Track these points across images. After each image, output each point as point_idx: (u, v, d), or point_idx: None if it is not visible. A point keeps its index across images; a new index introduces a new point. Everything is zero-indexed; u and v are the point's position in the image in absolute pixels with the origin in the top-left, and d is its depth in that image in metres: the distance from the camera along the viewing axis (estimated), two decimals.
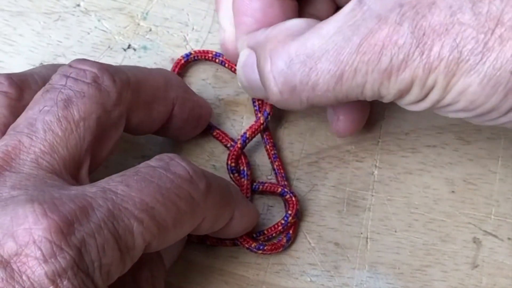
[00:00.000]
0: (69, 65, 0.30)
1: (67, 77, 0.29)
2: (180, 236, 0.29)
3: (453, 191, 0.38)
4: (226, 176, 0.37)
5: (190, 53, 0.39)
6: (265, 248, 0.35)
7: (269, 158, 0.38)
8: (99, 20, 0.40)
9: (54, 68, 0.32)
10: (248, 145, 0.37)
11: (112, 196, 0.26)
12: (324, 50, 0.29)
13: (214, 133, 0.38)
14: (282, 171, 0.37)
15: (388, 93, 0.29)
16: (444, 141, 0.39)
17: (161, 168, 0.28)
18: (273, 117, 0.39)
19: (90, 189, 0.26)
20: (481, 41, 0.27)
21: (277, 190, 0.37)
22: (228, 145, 0.37)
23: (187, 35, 0.40)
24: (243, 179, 0.37)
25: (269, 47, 0.31)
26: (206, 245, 0.36)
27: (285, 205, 0.37)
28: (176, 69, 0.39)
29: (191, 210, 0.28)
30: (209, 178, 0.29)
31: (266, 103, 0.37)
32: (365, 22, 0.28)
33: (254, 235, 0.36)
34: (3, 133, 0.29)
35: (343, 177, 0.38)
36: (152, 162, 0.28)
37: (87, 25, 0.40)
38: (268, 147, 0.38)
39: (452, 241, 0.37)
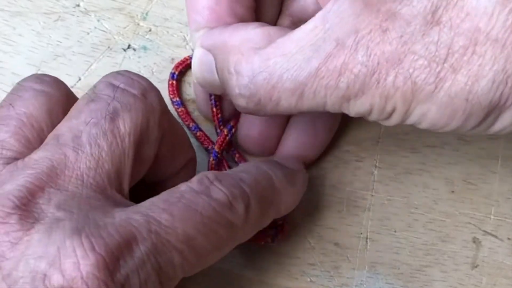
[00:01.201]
0: (118, 72, 0.29)
1: (115, 87, 0.29)
2: (217, 259, 0.29)
3: (453, 191, 0.38)
4: None
5: None
6: (278, 235, 0.36)
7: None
8: (98, 20, 0.40)
9: None
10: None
11: (156, 228, 0.26)
12: (285, 69, 0.29)
13: (198, 134, 0.38)
14: None
15: (349, 112, 0.30)
16: (444, 141, 0.39)
17: (203, 194, 0.28)
18: None
19: (134, 216, 0.26)
20: (433, 70, 0.27)
21: None
22: (209, 147, 0.37)
23: (187, 35, 0.40)
24: None
25: (232, 59, 0.31)
26: None
27: None
28: (180, 67, 0.39)
29: (231, 236, 0.29)
30: (246, 198, 0.29)
31: (234, 119, 0.37)
32: (325, 44, 0.28)
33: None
34: (41, 138, 0.28)
35: (343, 177, 0.38)
36: (194, 185, 0.28)
37: (86, 25, 0.40)
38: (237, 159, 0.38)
39: (452, 241, 0.37)
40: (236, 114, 0.37)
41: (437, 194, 0.38)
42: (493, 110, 0.27)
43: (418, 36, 0.27)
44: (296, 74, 0.29)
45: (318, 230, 0.37)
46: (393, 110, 0.29)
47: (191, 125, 0.38)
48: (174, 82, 0.39)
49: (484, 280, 0.36)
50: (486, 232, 0.37)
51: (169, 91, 0.38)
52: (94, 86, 0.29)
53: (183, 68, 0.39)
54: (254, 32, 0.31)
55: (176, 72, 0.39)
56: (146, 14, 0.41)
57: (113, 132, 0.28)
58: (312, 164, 0.38)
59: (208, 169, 0.37)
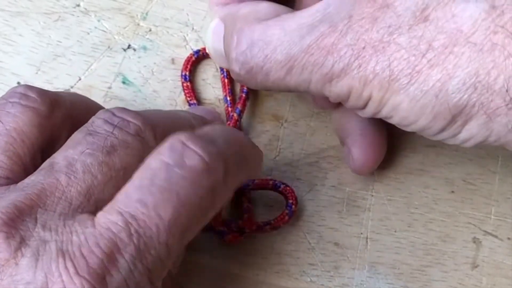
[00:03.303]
0: (112, 113, 0.29)
1: (113, 125, 0.29)
2: (203, 226, 0.28)
3: (452, 191, 0.38)
4: None
5: (199, 50, 0.39)
6: (293, 214, 0.36)
7: None
8: (98, 20, 0.40)
9: (79, 97, 0.33)
10: None
11: (136, 228, 0.26)
12: (280, 42, 0.31)
13: None
14: None
15: (330, 95, 0.31)
16: None
17: (176, 167, 0.26)
18: (274, 117, 0.39)
19: (112, 218, 0.26)
20: (411, 63, 0.29)
21: (269, 184, 0.36)
22: None
23: (187, 35, 0.40)
24: None
25: (238, 26, 0.32)
26: (207, 243, 0.36)
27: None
28: (189, 66, 0.39)
29: (213, 201, 0.28)
30: (225, 157, 0.28)
31: (239, 101, 0.38)
32: (320, 25, 0.30)
33: (261, 224, 0.36)
34: (32, 154, 0.29)
35: (343, 177, 0.38)
36: (165, 156, 0.27)
37: (86, 25, 0.40)
38: None
39: (452, 241, 0.37)
40: (241, 97, 0.38)
41: (437, 194, 0.38)
42: (460, 114, 0.29)
43: (404, 29, 0.29)
44: (289, 48, 0.31)
45: (318, 230, 0.37)
46: (369, 98, 0.30)
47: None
48: (188, 84, 0.39)
49: (484, 280, 0.36)
50: (486, 232, 0.37)
51: (185, 93, 0.39)
52: (92, 121, 0.29)
53: (191, 66, 0.39)
54: (262, 6, 0.33)
55: (187, 73, 0.39)
56: (146, 14, 0.41)
57: (108, 165, 0.28)
58: (313, 164, 0.38)
59: None
